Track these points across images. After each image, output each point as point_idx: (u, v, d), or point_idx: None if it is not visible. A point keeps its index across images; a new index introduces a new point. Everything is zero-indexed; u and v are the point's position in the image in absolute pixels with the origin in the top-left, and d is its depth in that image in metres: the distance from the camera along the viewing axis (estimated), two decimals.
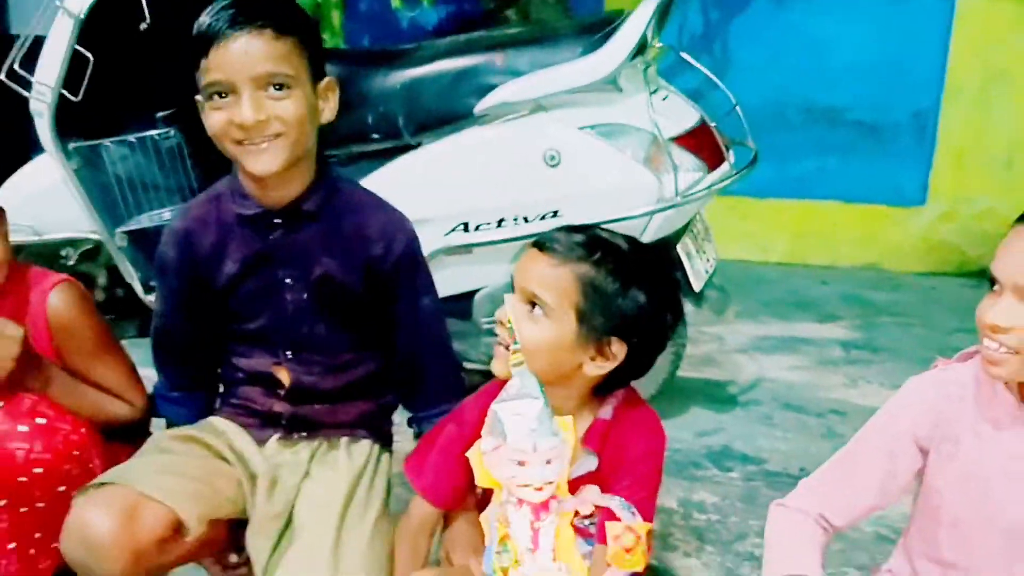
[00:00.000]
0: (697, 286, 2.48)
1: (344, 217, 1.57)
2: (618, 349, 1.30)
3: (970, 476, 1.26)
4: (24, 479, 1.43)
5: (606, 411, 1.40)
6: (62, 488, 1.46)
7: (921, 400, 1.30)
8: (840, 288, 4.79)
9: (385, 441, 1.74)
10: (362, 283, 1.58)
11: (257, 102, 1.36)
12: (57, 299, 1.56)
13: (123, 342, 2.87)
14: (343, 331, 1.63)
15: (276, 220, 1.54)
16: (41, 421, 1.46)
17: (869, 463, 1.33)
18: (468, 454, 1.14)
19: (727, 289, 2.66)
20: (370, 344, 1.67)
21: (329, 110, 1.49)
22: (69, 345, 1.57)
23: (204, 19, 1.37)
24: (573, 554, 1.11)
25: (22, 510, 1.46)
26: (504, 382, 1.16)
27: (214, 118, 1.39)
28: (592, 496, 1.11)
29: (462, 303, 2.45)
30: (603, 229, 1.39)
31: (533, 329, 1.27)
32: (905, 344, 3.75)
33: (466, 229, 2.38)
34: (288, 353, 1.62)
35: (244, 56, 1.34)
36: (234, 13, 1.36)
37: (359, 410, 1.69)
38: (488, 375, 1.37)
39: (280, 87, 1.38)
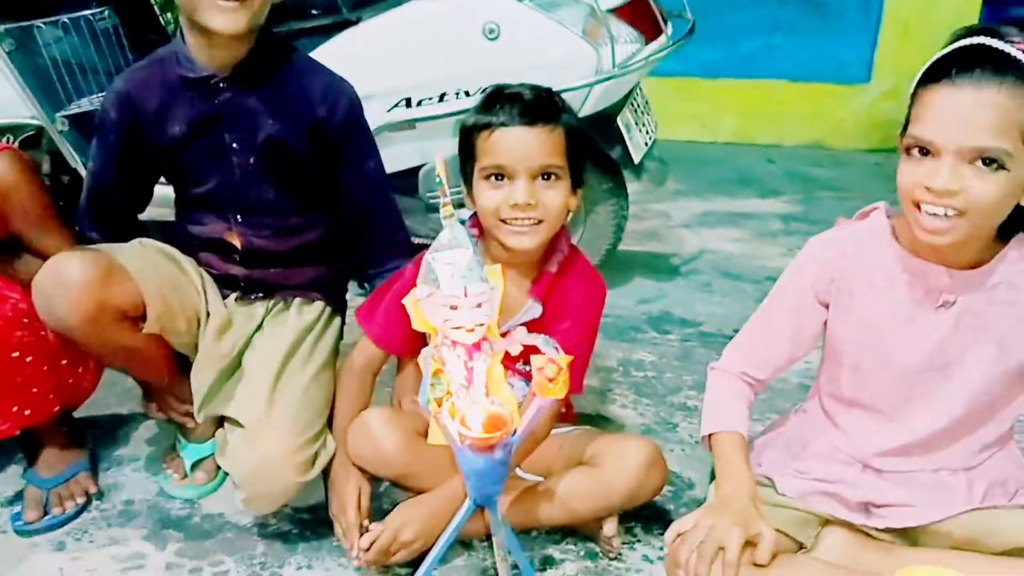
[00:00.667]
0: (637, 157, 2.54)
1: (288, 81, 1.61)
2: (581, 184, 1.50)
3: (865, 324, 1.36)
4: None
5: (553, 264, 1.51)
6: (15, 354, 1.51)
7: (819, 258, 1.39)
8: (785, 166, 4.90)
9: (338, 306, 1.83)
10: (307, 145, 1.63)
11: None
12: (0, 166, 1.57)
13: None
14: (290, 195, 1.68)
15: (222, 84, 1.58)
16: None
17: (779, 319, 1.43)
18: (404, 301, 1.22)
19: (666, 161, 2.73)
20: (318, 207, 1.73)
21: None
22: (13, 212, 1.59)
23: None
24: (503, 389, 1.21)
25: None
26: None
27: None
28: (520, 336, 1.20)
29: (407, 179, 2.49)
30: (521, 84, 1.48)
31: (554, 196, 1.43)
32: (842, 215, 3.84)
33: (408, 104, 2.40)
34: (238, 217, 1.68)
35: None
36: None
37: (312, 274, 1.77)
38: None
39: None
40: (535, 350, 1.19)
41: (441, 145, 2.40)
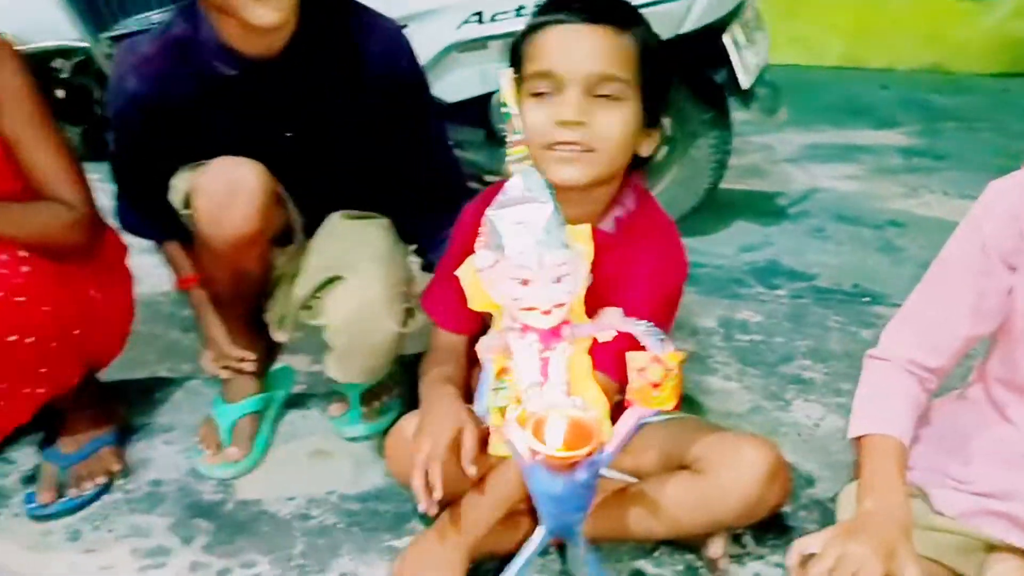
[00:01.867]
0: (746, 82, 2.18)
1: (338, 50, 1.39)
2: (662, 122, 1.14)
3: None
4: None
5: (607, 223, 1.19)
6: (13, 337, 1.26)
7: (1003, 208, 1.09)
8: (900, 92, 4.44)
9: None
10: (363, 115, 1.44)
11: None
12: None
13: None
14: (350, 184, 1.53)
15: (268, 74, 1.36)
16: None
17: (954, 287, 1.13)
18: (458, 272, 0.93)
19: (779, 86, 2.36)
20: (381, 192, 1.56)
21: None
22: (3, 106, 1.33)
23: None
24: (590, 387, 0.92)
25: None
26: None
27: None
28: (614, 320, 0.90)
29: (478, 108, 2.19)
30: None
31: (611, 120, 1.09)
32: (972, 151, 3.45)
33: (480, 20, 2.09)
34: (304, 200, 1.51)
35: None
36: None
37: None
38: None
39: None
40: (631, 340, 0.90)
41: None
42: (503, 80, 0.93)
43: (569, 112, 1.07)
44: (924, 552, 1.04)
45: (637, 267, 1.18)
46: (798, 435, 1.62)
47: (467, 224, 1.22)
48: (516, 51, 1.14)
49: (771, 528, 1.36)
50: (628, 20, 1.11)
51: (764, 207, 2.81)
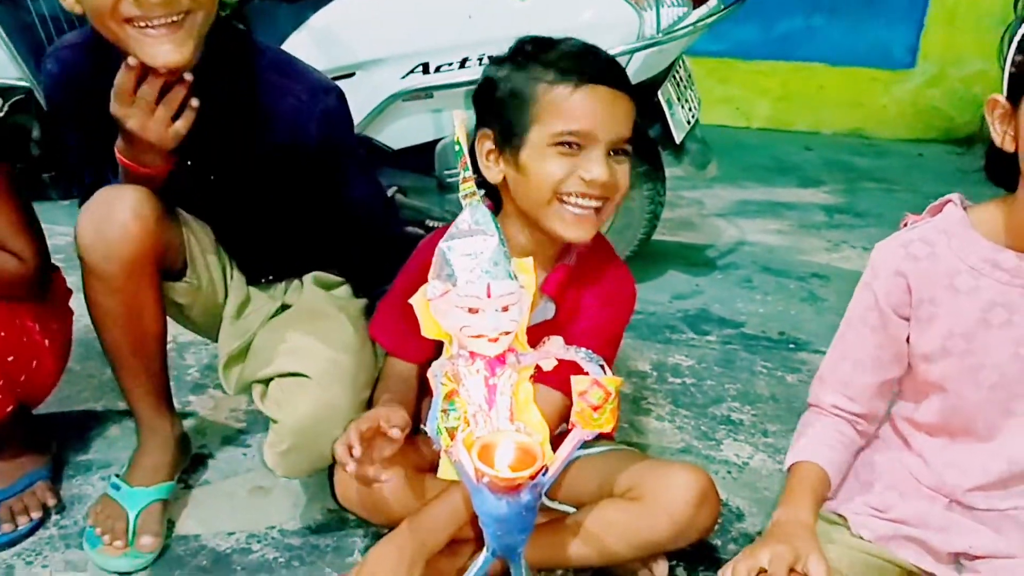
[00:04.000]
0: (678, 137, 2.29)
1: (249, 103, 1.34)
2: None
3: (953, 334, 1.15)
4: None
5: (570, 257, 1.27)
6: None
7: (889, 267, 1.19)
8: (824, 154, 4.65)
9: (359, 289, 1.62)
10: (269, 171, 1.39)
11: None
12: None
13: (64, 202, 2.68)
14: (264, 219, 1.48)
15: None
16: None
17: (858, 343, 1.23)
18: (411, 300, 0.98)
19: (709, 142, 2.48)
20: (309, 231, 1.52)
21: None
22: None
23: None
24: (533, 414, 0.97)
25: None
26: None
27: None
28: (555, 348, 0.96)
29: (422, 155, 2.25)
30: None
31: (623, 176, 1.22)
32: (889, 209, 3.62)
33: (426, 71, 2.15)
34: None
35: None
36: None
37: (320, 256, 1.59)
38: None
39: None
40: (574, 367, 0.95)
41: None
42: (456, 120, 0.98)
43: (600, 171, 1.17)
44: (841, 571, 1.10)
45: (594, 295, 1.26)
46: (728, 472, 1.69)
47: (420, 257, 1.27)
48: (520, 96, 1.20)
49: (703, 560, 1.41)
50: (631, 87, 1.23)
51: (695, 258, 2.91)
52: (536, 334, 1.02)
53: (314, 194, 1.43)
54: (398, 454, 1.22)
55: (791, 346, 2.25)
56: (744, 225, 3.31)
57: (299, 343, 1.41)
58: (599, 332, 1.25)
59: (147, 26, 1.16)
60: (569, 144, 1.18)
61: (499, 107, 1.24)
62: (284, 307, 1.55)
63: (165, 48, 1.16)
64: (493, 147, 1.25)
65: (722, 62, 4.87)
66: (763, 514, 1.55)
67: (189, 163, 1.36)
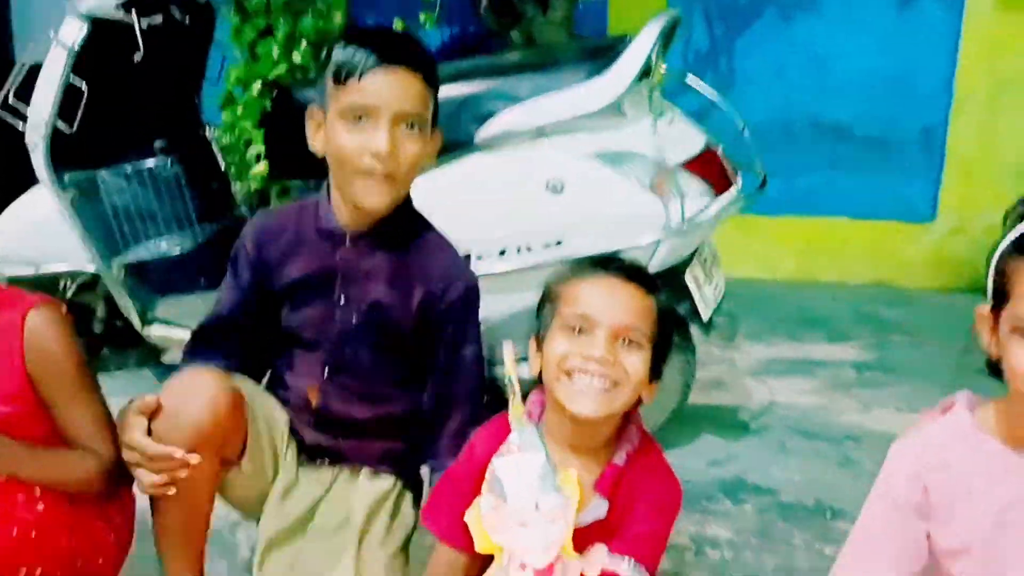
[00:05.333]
0: (706, 315, 2.41)
1: (413, 252, 1.60)
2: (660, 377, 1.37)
3: (971, 535, 1.20)
4: None
5: (620, 456, 1.35)
6: (23, 571, 1.35)
7: (906, 470, 1.25)
8: (850, 306, 4.67)
9: (410, 481, 1.72)
10: (413, 319, 1.59)
11: (394, 136, 1.44)
12: (35, 320, 1.44)
13: (119, 373, 2.84)
14: (385, 363, 1.63)
15: (348, 239, 1.57)
16: None
17: (878, 541, 1.28)
18: (466, 517, 1.08)
19: (735, 314, 2.59)
20: (409, 382, 1.66)
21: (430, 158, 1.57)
22: (45, 373, 1.44)
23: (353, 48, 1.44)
24: None
25: None
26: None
27: (346, 138, 1.44)
28: (600, 558, 1.04)
29: None
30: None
31: (635, 362, 1.30)
32: (919, 364, 3.65)
33: (468, 259, 2.31)
34: (326, 372, 1.62)
35: (394, 89, 1.43)
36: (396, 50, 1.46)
37: (386, 447, 1.68)
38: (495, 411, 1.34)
39: (413, 127, 1.47)
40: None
41: (500, 301, 2.31)
42: (505, 351, 1.11)
43: (598, 350, 1.27)
44: None
45: (645, 496, 1.34)
46: None
47: (478, 446, 1.35)
48: (550, 295, 1.36)
49: None
50: (653, 286, 1.36)
51: (727, 420, 2.95)
52: (587, 534, 1.09)
53: (433, 348, 1.61)
54: None
55: (827, 515, 2.28)
56: (774, 384, 3.35)
57: (318, 565, 1.52)
58: (648, 539, 1.30)
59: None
60: (573, 326, 1.30)
61: (540, 310, 1.40)
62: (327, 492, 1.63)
63: (374, 192, 1.51)
64: (537, 348, 1.38)
65: (746, 218, 4.98)
66: None
67: (343, 301, 1.58)
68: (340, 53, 1.44)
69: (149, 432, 1.40)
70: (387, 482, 1.66)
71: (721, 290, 2.55)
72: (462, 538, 1.37)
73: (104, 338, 3.11)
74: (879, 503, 1.28)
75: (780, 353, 3.79)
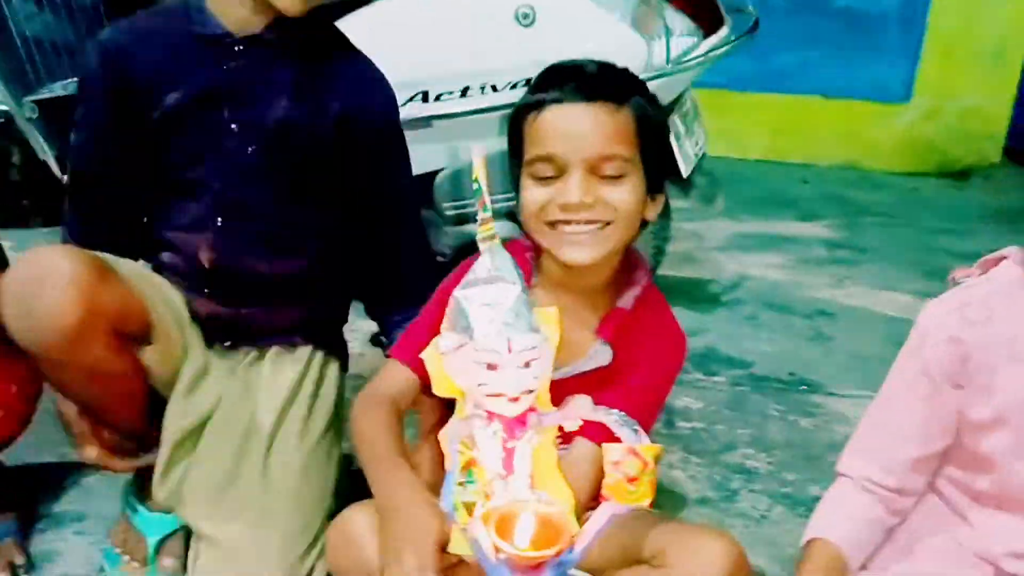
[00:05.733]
0: (685, 171, 2.21)
1: (320, 59, 1.31)
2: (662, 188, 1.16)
3: (1009, 404, 1.07)
4: None
5: (626, 299, 1.17)
6: None
7: (942, 333, 1.11)
8: (820, 186, 4.60)
9: (331, 350, 1.47)
10: (328, 142, 1.32)
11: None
12: None
13: (45, 230, 2.58)
14: (289, 198, 1.35)
15: (237, 47, 1.27)
16: None
17: (902, 411, 1.15)
18: (422, 355, 0.88)
19: (716, 176, 2.40)
20: (322, 228, 1.39)
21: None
22: None
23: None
24: (556, 480, 0.87)
25: None
26: None
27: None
28: (582, 410, 0.86)
29: (421, 187, 2.15)
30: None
31: (621, 194, 1.09)
32: (889, 244, 3.57)
33: (425, 99, 2.06)
34: (219, 220, 1.33)
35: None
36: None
37: (297, 315, 1.42)
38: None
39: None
40: (602, 428, 0.85)
41: (462, 147, 2.08)
42: (475, 156, 0.89)
43: (574, 194, 1.06)
44: None
45: (650, 342, 1.16)
46: (745, 527, 1.59)
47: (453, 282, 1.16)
48: (515, 130, 1.13)
49: None
50: (624, 93, 1.12)
51: (698, 294, 2.83)
52: (590, 381, 0.93)
53: (362, 176, 1.37)
54: None
55: (803, 388, 2.16)
56: (745, 259, 3.24)
57: (218, 479, 1.29)
58: (644, 392, 1.15)
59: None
60: (542, 171, 1.09)
61: (509, 142, 1.17)
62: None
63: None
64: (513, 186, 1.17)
65: (716, 93, 4.81)
66: (785, 574, 1.45)
67: (234, 126, 1.30)
68: None
69: None
70: (300, 360, 1.41)
71: (702, 146, 2.35)
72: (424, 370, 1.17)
73: (23, 188, 2.82)
74: (908, 366, 1.14)
75: (750, 229, 3.68)
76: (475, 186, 0.88)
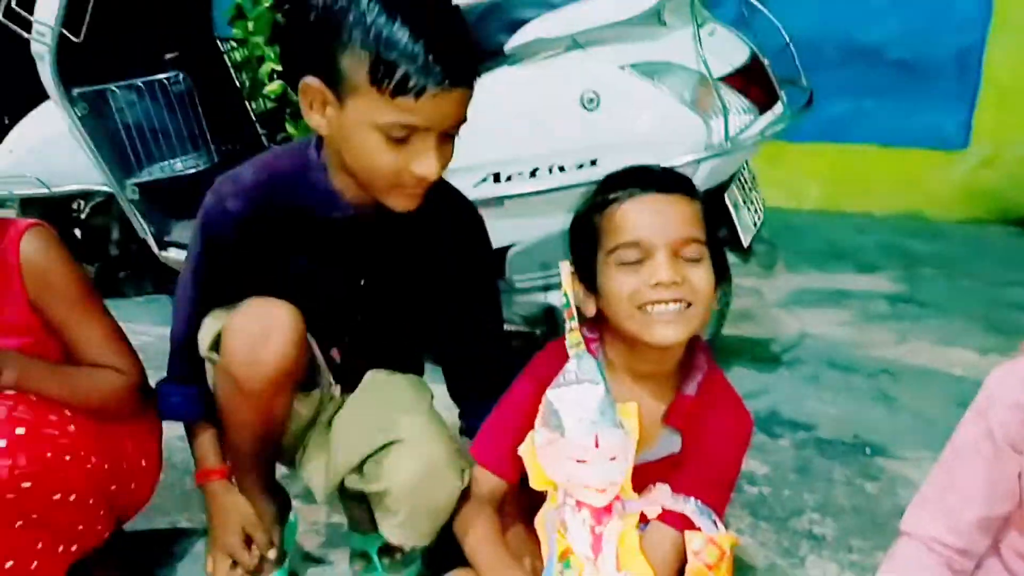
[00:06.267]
0: (746, 240, 2.29)
1: (424, 215, 1.39)
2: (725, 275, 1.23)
3: None
4: (12, 495, 1.24)
5: (691, 386, 1.25)
6: (57, 496, 1.29)
7: (1007, 397, 1.14)
8: (878, 237, 4.55)
9: None
10: (428, 280, 1.49)
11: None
12: (29, 245, 1.37)
13: (140, 299, 2.77)
14: (409, 319, 1.55)
15: (362, 218, 1.39)
16: (20, 431, 1.25)
17: (965, 473, 1.18)
18: (520, 450, 0.99)
19: (775, 243, 2.48)
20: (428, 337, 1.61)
21: None
22: (46, 295, 1.38)
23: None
24: (639, 561, 0.96)
25: (17, 524, 1.29)
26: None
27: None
28: (663, 498, 0.95)
29: (495, 261, 2.28)
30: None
31: (701, 276, 1.19)
32: (953, 297, 3.54)
33: (497, 180, 2.19)
34: (347, 337, 1.55)
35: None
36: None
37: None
38: (526, 339, 1.23)
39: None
40: (683, 518, 0.95)
41: (531, 224, 2.20)
42: (563, 271, 1.00)
43: (665, 274, 1.15)
44: None
45: (716, 428, 1.24)
46: None
47: (533, 372, 1.25)
48: (586, 226, 1.22)
49: None
50: (692, 189, 1.25)
51: (759, 353, 2.87)
52: (662, 467, 1.01)
53: (463, 301, 1.50)
54: None
55: (867, 451, 2.20)
56: (805, 316, 3.26)
57: (379, 417, 1.44)
58: (716, 477, 1.22)
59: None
60: (628, 257, 1.18)
61: (574, 244, 1.26)
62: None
63: (410, 200, 1.28)
64: (579, 283, 1.23)
65: (771, 144, 4.84)
66: None
67: (363, 282, 1.48)
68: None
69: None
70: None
71: (761, 215, 2.44)
72: (511, 471, 1.27)
73: (120, 262, 3.03)
74: (971, 431, 1.18)
75: (809, 284, 3.68)
76: (564, 298, 0.99)
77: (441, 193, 1.42)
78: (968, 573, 1.23)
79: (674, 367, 1.26)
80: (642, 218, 1.19)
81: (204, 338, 1.42)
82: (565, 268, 0.99)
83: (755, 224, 2.38)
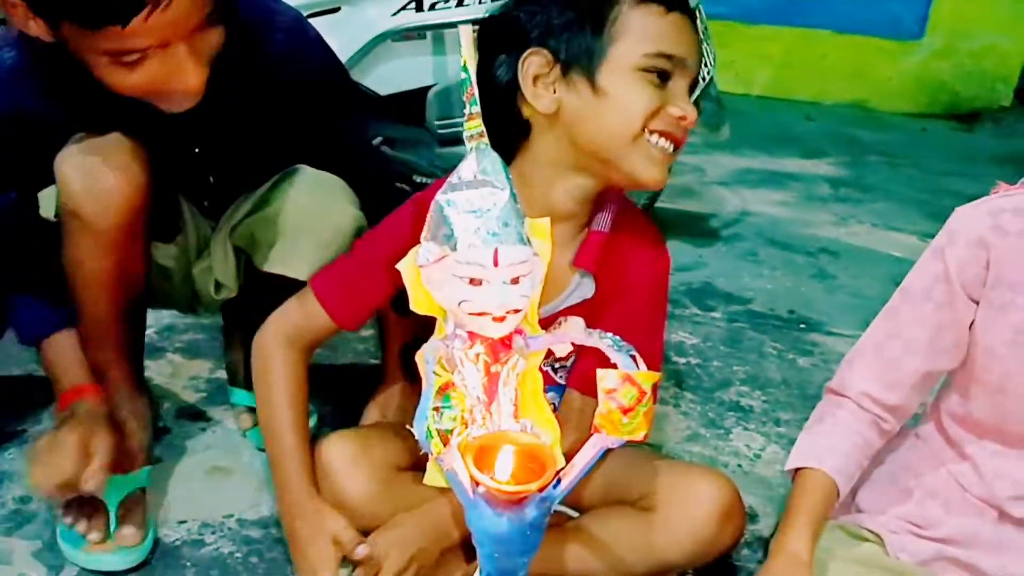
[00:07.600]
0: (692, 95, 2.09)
1: (240, 59, 1.16)
2: None
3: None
4: None
5: (602, 220, 1.07)
6: None
7: (969, 235, 1.02)
8: (825, 125, 4.49)
9: None
10: (272, 120, 1.26)
11: None
12: None
13: None
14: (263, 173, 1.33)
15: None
16: None
17: (912, 319, 1.06)
18: (399, 266, 0.79)
19: (725, 104, 2.29)
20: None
21: None
22: None
23: None
24: (542, 409, 0.80)
25: None
26: None
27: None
28: (574, 332, 0.78)
29: (412, 102, 2.05)
30: None
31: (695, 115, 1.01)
32: (894, 184, 3.49)
33: (419, 7, 1.95)
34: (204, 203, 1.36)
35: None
36: None
37: None
38: None
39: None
40: (597, 354, 0.77)
41: (457, 61, 1.97)
42: (463, 36, 0.78)
43: (691, 109, 0.98)
44: None
45: (634, 267, 1.07)
46: (739, 465, 1.53)
47: (407, 212, 1.07)
48: (604, 11, 0.99)
49: (713, 569, 1.25)
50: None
51: (697, 228, 2.75)
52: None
53: (314, 134, 1.30)
54: (377, 443, 1.06)
55: (802, 326, 2.09)
56: (747, 195, 3.16)
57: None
58: (643, 318, 1.07)
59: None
60: (659, 71, 0.97)
61: (559, 20, 1.00)
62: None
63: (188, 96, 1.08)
64: (548, 69, 1.00)
65: (723, 24, 4.67)
66: (777, 515, 1.39)
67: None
68: None
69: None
70: None
71: (710, 70, 2.23)
72: (349, 318, 1.10)
73: None
74: (926, 273, 1.06)
75: (753, 164, 3.59)
76: (462, 71, 0.78)
77: (249, 31, 1.17)
78: (893, 434, 1.13)
79: (586, 206, 1.07)
80: (682, 35, 0.98)
81: (47, 208, 1.19)
82: (465, 31, 0.77)
83: (703, 79, 2.18)
